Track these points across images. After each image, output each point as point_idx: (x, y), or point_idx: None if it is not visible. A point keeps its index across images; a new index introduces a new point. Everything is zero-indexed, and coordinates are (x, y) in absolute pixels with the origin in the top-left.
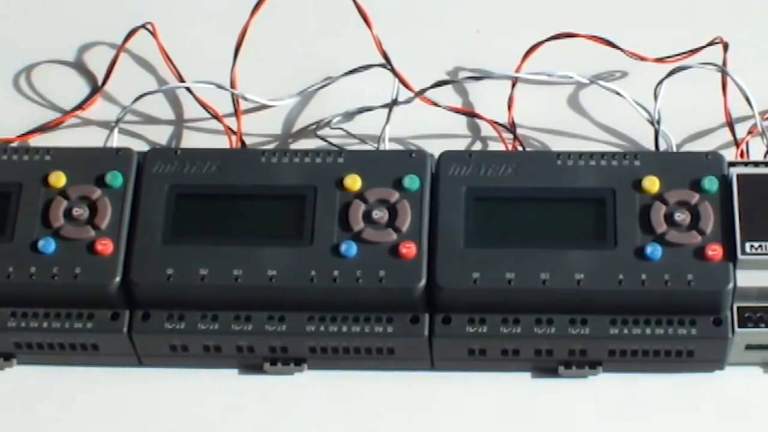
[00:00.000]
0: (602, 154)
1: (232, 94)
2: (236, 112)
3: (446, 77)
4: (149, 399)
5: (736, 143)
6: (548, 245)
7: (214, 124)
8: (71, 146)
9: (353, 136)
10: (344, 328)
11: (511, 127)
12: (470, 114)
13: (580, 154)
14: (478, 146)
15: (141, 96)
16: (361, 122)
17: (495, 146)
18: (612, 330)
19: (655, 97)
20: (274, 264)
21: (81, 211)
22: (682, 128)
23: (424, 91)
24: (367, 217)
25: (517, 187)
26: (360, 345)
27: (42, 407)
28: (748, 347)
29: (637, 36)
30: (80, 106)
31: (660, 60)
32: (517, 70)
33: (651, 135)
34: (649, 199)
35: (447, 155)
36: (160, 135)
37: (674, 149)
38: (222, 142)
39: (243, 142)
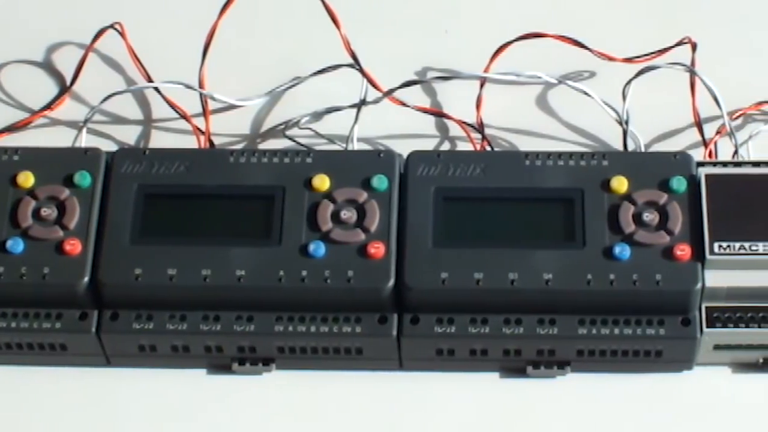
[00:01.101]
0: (570, 154)
1: (201, 94)
2: (205, 112)
3: (414, 77)
4: (117, 399)
5: (705, 143)
6: (517, 245)
7: (182, 124)
8: (39, 146)
9: (322, 136)
10: (312, 328)
11: (480, 127)
12: (438, 114)
13: (549, 154)
14: (446, 146)
15: (109, 96)
16: (329, 122)
17: (463, 146)
18: (580, 330)
19: (624, 97)
20: (242, 264)
21: (49, 211)
22: (650, 128)
23: (392, 91)
24: (336, 217)
25: (486, 188)
26: (328, 345)
27: (10, 407)
28: (717, 347)
29: (606, 36)
30: (48, 106)
31: (628, 60)
32: (486, 70)
33: (619, 135)
34: (618, 199)
35: (415, 155)
36: (129, 135)
37: (643, 149)
38: (190, 142)
39: (211, 142)
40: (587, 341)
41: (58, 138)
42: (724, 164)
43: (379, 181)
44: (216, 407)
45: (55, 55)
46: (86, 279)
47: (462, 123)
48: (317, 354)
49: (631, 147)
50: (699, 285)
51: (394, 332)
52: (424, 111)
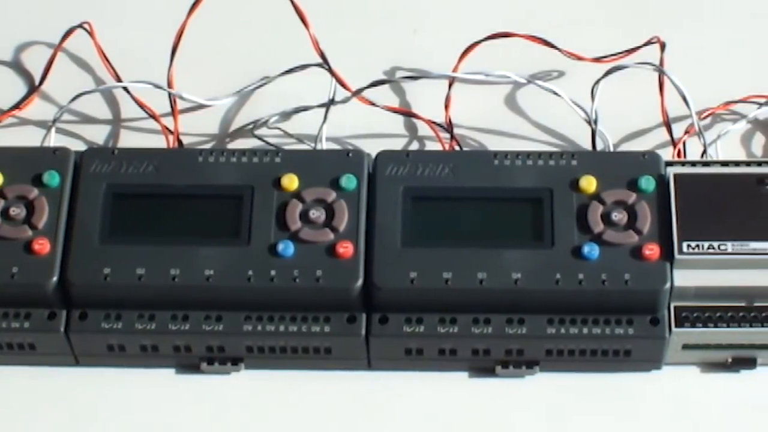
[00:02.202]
0: (539, 154)
1: (169, 94)
2: (173, 112)
3: (383, 77)
4: (86, 398)
5: (673, 143)
6: (485, 245)
7: (151, 123)
8: (8, 146)
9: (290, 135)
10: (281, 328)
11: (448, 127)
12: (407, 114)
13: (518, 154)
14: (415, 146)
15: (78, 95)
16: (298, 122)
17: (432, 146)
18: (549, 329)
19: (592, 96)
20: (211, 263)
21: (18, 211)
22: (619, 128)
23: (361, 90)
24: (305, 216)
25: (455, 187)
26: (297, 344)
27: None
28: (685, 347)
29: (575, 36)
30: (17, 106)
31: (597, 60)
32: (455, 69)
33: (588, 135)
34: (587, 199)
35: (384, 155)
36: (98, 134)
37: (611, 149)
38: (159, 142)
39: (180, 142)
40: (556, 341)
41: (27, 137)
42: (693, 164)
43: (348, 181)
44: (185, 407)
45: (23, 55)
46: (55, 278)
47: (431, 123)
48: (286, 353)
49: (599, 146)
50: (668, 284)
51: (363, 332)
52: (393, 111)
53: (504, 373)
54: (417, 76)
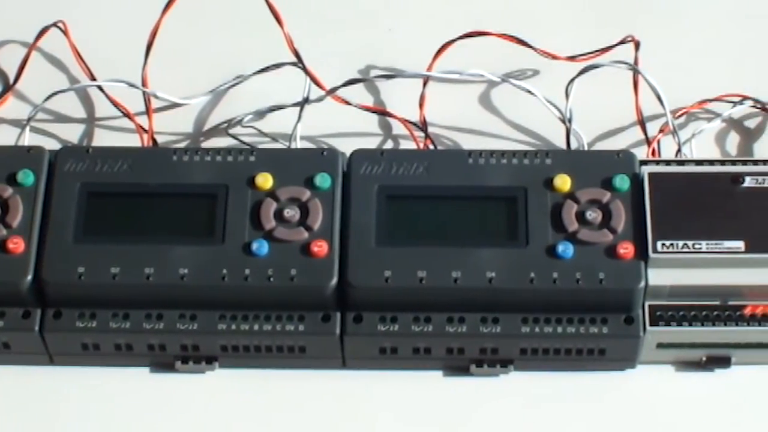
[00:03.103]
0: (514, 153)
1: (144, 93)
2: (148, 111)
3: (358, 76)
4: (61, 398)
5: (648, 141)
6: (460, 244)
7: (125, 122)
8: None
9: (265, 134)
10: (255, 327)
11: (423, 126)
12: (382, 112)
13: (492, 153)
14: (389, 145)
15: (53, 94)
16: (272, 121)
17: (406, 145)
18: (523, 328)
19: (567, 95)
20: (185, 262)
21: None
22: (593, 127)
23: (335, 89)
24: (279, 215)
25: (429, 186)
26: (271, 343)
27: None
28: (660, 345)
29: (549, 34)
30: None
31: (571, 58)
32: (429, 68)
33: (563, 133)
34: (561, 198)
35: (358, 154)
36: (72, 133)
37: (586, 148)
38: (134, 141)
39: (154, 141)
40: (530, 340)
41: (1, 136)
42: (667, 162)
43: (323, 180)
44: (159, 405)
45: None
46: (29, 277)
47: (405, 121)
48: (260, 352)
49: (574, 145)
50: (642, 283)
51: (338, 330)
52: (368, 109)
53: (478, 372)
54: (391, 75)
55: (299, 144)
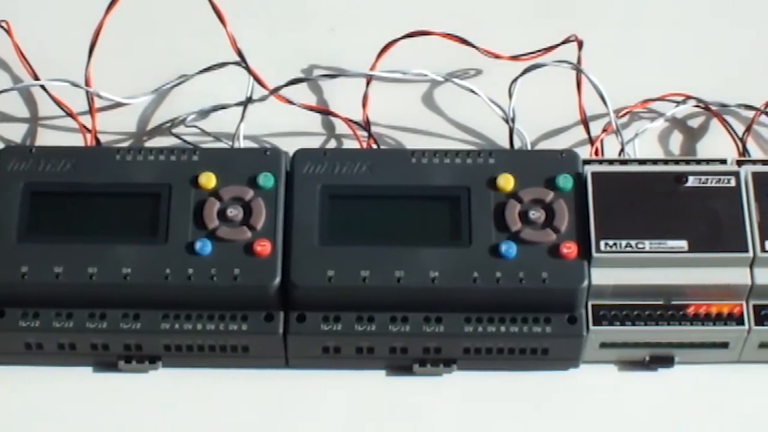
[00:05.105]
0: (457, 152)
1: (87, 92)
2: (91, 110)
3: (301, 75)
4: (3, 398)
5: (591, 141)
6: (403, 243)
7: (69, 122)
8: None
9: (208, 134)
10: (199, 326)
11: (366, 125)
12: (325, 112)
13: (435, 152)
14: (332, 144)
15: None
16: (215, 120)
17: (350, 144)
18: (467, 328)
19: (510, 95)
20: (128, 262)
21: None
22: (536, 126)
23: (278, 89)
24: (222, 215)
25: (372, 185)
26: (215, 343)
27: None
28: (603, 345)
29: (492, 34)
30: None
31: (514, 58)
32: (372, 68)
33: (506, 133)
34: (504, 197)
35: (302, 153)
36: (15, 133)
37: (529, 147)
38: (77, 140)
39: (98, 140)
40: (473, 339)
41: None
42: (611, 162)
43: (266, 179)
44: (102, 405)
45: None
46: None
47: (348, 121)
48: (204, 352)
49: (517, 145)
50: (585, 283)
51: (281, 330)
52: (311, 109)
53: (421, 372)
54: (334, 74)
55: (242, 143)
